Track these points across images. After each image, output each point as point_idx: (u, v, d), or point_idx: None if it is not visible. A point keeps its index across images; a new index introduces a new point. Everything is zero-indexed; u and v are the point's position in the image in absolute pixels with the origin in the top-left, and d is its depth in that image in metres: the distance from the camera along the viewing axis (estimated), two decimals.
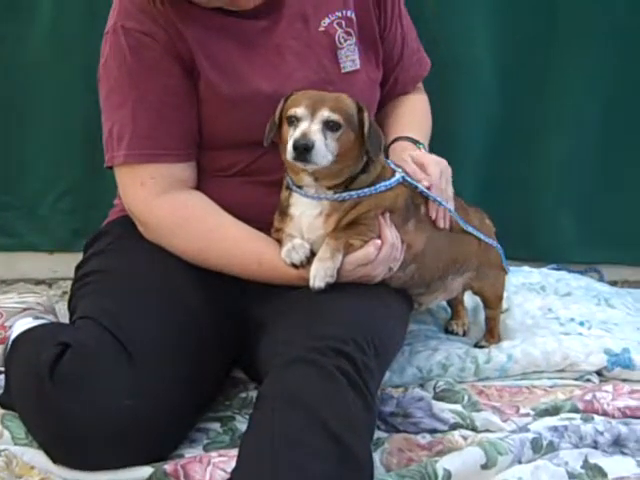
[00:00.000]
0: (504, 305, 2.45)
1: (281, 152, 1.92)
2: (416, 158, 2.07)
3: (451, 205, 2.07)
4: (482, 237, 2.19)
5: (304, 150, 1.79)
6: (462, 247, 2.17)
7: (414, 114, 2.30)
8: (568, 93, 2.94)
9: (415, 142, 2.16)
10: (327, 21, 2.08)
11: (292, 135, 1.82)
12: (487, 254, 2.25)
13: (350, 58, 2.10)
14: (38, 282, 2.96)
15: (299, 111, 1.83)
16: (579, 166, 3.02)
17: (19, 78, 2.83)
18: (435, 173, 2.04)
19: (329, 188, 1.91)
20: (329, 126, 1.83)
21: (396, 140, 2.17)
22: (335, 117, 1.83)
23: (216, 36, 2.00)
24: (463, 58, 2.85)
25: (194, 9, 1.97)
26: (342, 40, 2.09)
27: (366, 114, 1.88)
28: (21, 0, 2.78)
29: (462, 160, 2.90)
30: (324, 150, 1.81)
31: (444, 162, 2.10)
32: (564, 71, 2.91)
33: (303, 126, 1.82)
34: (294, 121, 1.84)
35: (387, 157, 2.07)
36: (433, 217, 2.04)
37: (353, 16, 2.11)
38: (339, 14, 2.09)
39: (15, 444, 1.80)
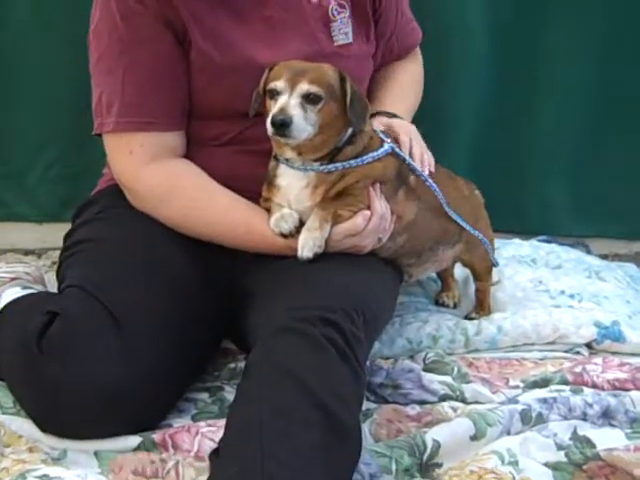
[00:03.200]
0: (494, 277, 2.44)
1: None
2: (385, 126, 2.07)
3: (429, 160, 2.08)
4: (468, 228, 2.18)
5: (281, 126, 1.78)
6: (452, 220, 2.15)
7: (402, 88, 2.29)
8: (559, 67, 2.94)
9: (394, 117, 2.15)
10: None
11: (272, 110, 1.81)
12: (478, 225, 2.24)
13: (343, 31, 2.08)
14: (27, 252, 2.94)
15: (279, 84, 1.82)
16: (570, 139, 3.03)
17: (5, 46, 2.79)
18: (405, 141, 2.04)
19: (314, 160, 1.90)
20: (309, 99, 1.81)
21: (375, 114, 2.15)
22: (315, 89, 1.81)
23: (208, 5, 1.97)
24: (454, 29, 2.83)
25: None
26: (335, 13, 2.07)
27: (349, 83, 1.86)
28: None
29: (452, 132, 2.90)
30: (303, 124, 1.80)
31: (411, 127, 2.11)
32: (555, 42, 2.90)
33: (282, 100, 1.81)
34: (274, 95, 1.83)
35: None
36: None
37: None
38: None
39: (3, 413, 1.79)
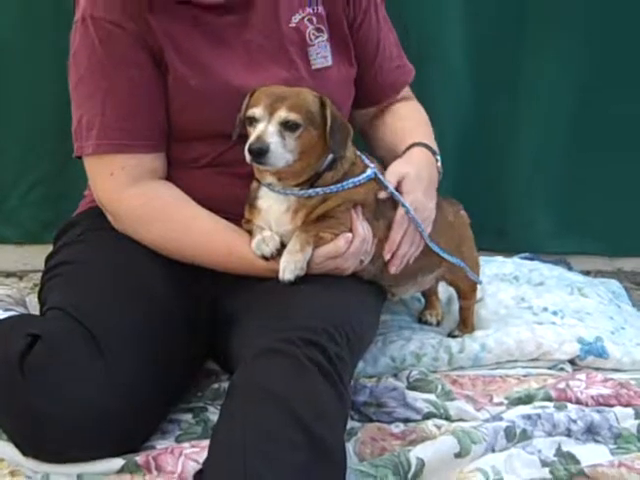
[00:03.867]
0: (478, 295, 2.44)
1: None
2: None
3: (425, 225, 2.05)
4: (449, 258, 2.17)
5: (258, 153, 1.78)
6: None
7: (419, 122, 2.27)
8: (539, 85, 2.95)
9: (434, 153, 2.15)
10: (298, 17, 2.06)
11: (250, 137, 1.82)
12: (460, 248, 2.24)
13: (321, 55, 2.08)
14: (8, 274, 2.92)
15: (257, 111, 1.83)
16: (551, 157, 3.04)
17: None
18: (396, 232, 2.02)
19: (295, 185, 1.90)
20: (287, 126, 1.82)
21: (414, 145, 2.13)
22: (293, 117, 1.82)
23: (185, 29, 1.98)
24: (434, 50, 2.85)
25: (163, 1, 1.95)
26: (312, 37, 2.07)
27: (329, 110, 1.86)
28: None
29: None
30: (281, 151, 1.80)
31: (420, 199, 2.05)
32: (536, 63, 2.92)
33: (259, 128, 1.81)
34: (252, 122, 1.83)
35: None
36: (387, 259, 2.01)
37: (323, 12, 2.09)
38: (310, 10, 2.07)
39: None
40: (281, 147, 1.80)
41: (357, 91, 2.20)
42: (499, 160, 3.01)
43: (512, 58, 2.92)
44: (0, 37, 2.77)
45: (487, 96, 2.95)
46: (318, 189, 1.89)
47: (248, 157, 1.80)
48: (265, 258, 1.89)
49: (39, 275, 2.14)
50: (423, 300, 2.52)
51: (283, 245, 1.90)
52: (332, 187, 1.90)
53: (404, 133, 2.20)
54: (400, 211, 1.99)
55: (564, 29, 2.89)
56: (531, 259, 2.97)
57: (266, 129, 1.80)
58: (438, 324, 2.46)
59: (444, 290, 2.53)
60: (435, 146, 2.19)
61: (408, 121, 2.26)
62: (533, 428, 1.87)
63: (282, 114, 1.81)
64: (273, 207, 1.92)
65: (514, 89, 2.96)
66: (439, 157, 2.17)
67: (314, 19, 2.08)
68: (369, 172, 1.95)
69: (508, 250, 3.03)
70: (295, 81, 2.00)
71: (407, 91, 2.35)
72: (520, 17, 2.87)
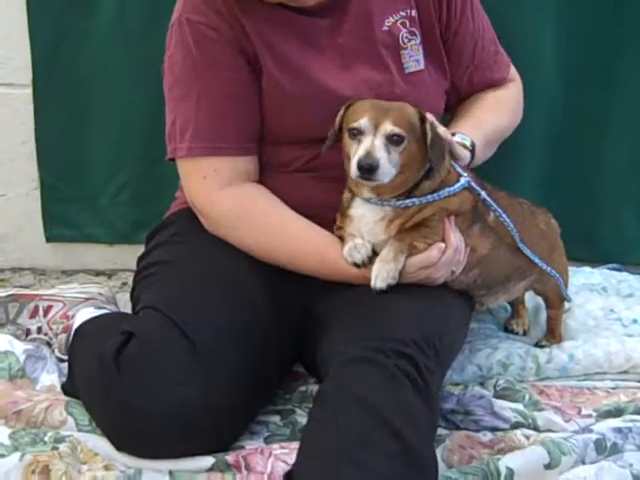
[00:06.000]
0: (566, 305, 2.42)
1: (344, 161, 1.90)
2: None
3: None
4: (541, 265, 2.14)
5: (368, 170, 1.76)
6: (526, 256, 2.12)
7: (481, 110, 2.20)
8: (633, 85, 2.89)
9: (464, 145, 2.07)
10: (391, 20, 2.06)
11: (356, 151, 1.80)
12: (552, 256, 2.22)
13: (414, 58, 2.07)
14: (98, 273, 2.99)
15: (362, 124, 1.80)
16: None
17: (83, 69, 2.84)
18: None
19: (391, 197, 1.89)
20: (392, 140, 1.80)
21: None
22: (398, 130, 1.80)
23: (279, 32, 2.00)
24: (526, 56, 2.81)
25: (257, 4, 1.96)
26: (406, 40, 2.06)
27: (428, 124, 1.85)
28: None
29: (524, 159, 2.87)
30: (388, 167, 1.79)
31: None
32: (630, 67, 2.85)
33: (366, 142, 1.79)
34: (356, 134, 1.82)
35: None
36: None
37: (416, 15, 2.08)
38: (403, 13, 2.06)
39: (79, 430, 1.83)
40: (388, 162, 1.78)
41: (450, 91, 2.19)
42: (589, 167, 2.96)
43: (604, 60, 2.86)
44: (93, 40, 2.83)
45: (578, 98, 2.89)
46: (415, 199, 1.88)
47: (355, 172, 1.78)
48: (357, 265, 1.89)
49: (127, 274, 2.20)
50: (510, 309, 2.50)
51: (375, 253, 1.89)
52: (428, 197, 1.89)
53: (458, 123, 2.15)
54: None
55: None
56: (619, 270, 2.91)
57: (374, 144, 1.78)
58: (524, 333, 2.43)
59: (531, 299, 2.50)
60: (480, 139, 2.09)
61: (473, 108, 2.21)
62: (624, 442, 1.84)
63: (388, 127, 1.79)
64: (367, 216, 1.91)
65: (606, 90, 2.88)
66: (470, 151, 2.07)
67: (407, 22, 2.07)
68: (463, 181, 1.94)
69: (595, 260, 2.98)
70: (388, 85, 2.00)
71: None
72: (612, 18, 2.82)
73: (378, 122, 1.80)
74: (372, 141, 1.78)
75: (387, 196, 1.88)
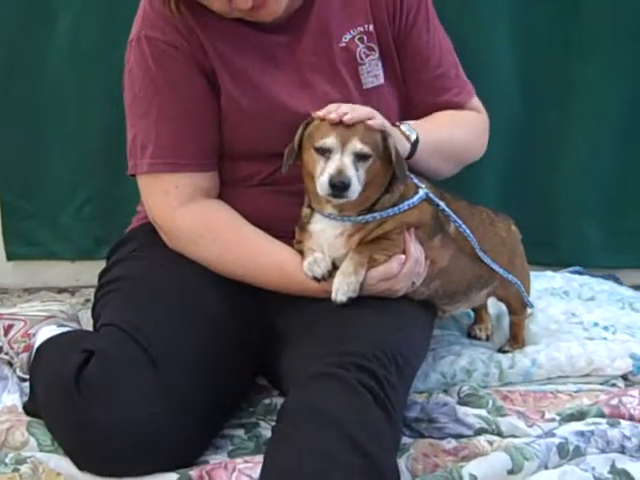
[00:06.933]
0: (528, 310, 2.43)
1: (305, 178, 1.91)
2: None
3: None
4: (502, 272, 2.16)
5: (341, 189, 1.76)
6: (487, 265, 2.13)
7: (436, 119, 2.16)
8: (589, 96, 2.93)
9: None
10: (348, 36, 2.06)
11: (323, 169, 1.79)
12: (513, 263, 2.24)
13: (372, 74, 2.08)
14: (61, 290, 2.98)
15: (329, 142, 1.80)
16: (601, 170, 3.01)
17: (40, 87, 2.84)
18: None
19: (353, 213, 1.90)
20: (360, 158, 1.80)
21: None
22: (366, 149, 1.80)
23: (237, 49, 2.00)
24: (483, 64, 2.84)
25: (215, 20, 1.96)
26: (363, 55, 2.06)
27: (391, 140, 1.86)
28: (40, 14, 2.80)
29: (485, 164, 2.87)
30: (357, 185, 1.79)
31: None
32: (585, 74, 2.90)
33: (336, 160, 1.78)
34: (323, 152, 1.81)
35: None
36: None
37: (374, 30, 2.08)
38: (361, 29, 2.06)
39: (41, 451, 1.80)
40: (357, 180, 1.78)
41: (408, 111, 2.17)
42: (549, 172, 3.00)
43: (560, 67, 2.91)
44: (50, 58, 2.83)
45: (536, 108, 2.94)
46: (376, 214, 1.88)
47: (327, 190, 1.77)
48: (317, 279, 1.89)
49: (91, 291, 2.18)
50: (473, 315, 2.51)
51: (335, 267, 1.89)
52: (389, 211, 1.89)
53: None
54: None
55: (615, 38, 2.86)
56: (580, 273, 2.94)
57: (344, 162, 1.78)
58: (488, 339, 2.44)
59: (494, 305, 2.51)
60: (431, 141, 2.04)
61: (437, 117, 2.16)
62: (586, 445, 1.85)
63: (357, 145, 1.79)
64: (327, 231, 1.91)
65: (564, 100, 2.94)
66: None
67: (365, 37, 2.07)
68: (421, 193, 1.94)
69: (556, 264, 3.01)
70: (346, 101, 1.98)
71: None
72: (571, 30, 2.86)
73: (345, 140, 1.79)
74: (341, 159, 1.79)
75: (349, 212, 1.88)
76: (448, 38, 2.23)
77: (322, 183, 1.78)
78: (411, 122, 2.06)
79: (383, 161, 1.85)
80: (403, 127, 2.01)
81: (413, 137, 2.01)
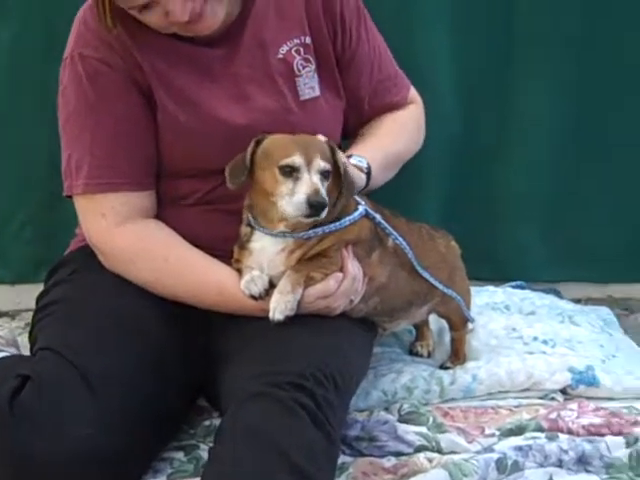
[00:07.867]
0: (469, 325, 2.45)
1: (254, 197, 1.89)
2: None
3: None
4: (442, 288, 2.18)
5: (320, 208, 1.76)
6: (426, 281, 2.14)
7: (376, 137, 2.19)
8: (528, 110, 2.95)
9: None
10: (285, 48, 2.07)
11: (292, 189, 1.77)
12: (453, 278, 2.25)
13: (309, 85, 2.08)
14: (1, 314, 2.92)
15: (296, 161, 1.78)
16: (540, 185, 3.03)
17: None
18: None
19: (301, 230, 1.89)
20: (323, 175, 1.81)
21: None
22: (328, 166, 1.81)
23: (173, 64, 1.99)
24: (423, 75, 2.85)
25: (151, 36, 1.95)
26: (300, 67, 2.07)
27: (339, 155, 1.86)
28: None
29: (423, 179, 2.92)
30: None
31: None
32: (524, 88, 2.92)
33: (306, 180, 1.77)
34: (290, 172, 1.79)
35: None
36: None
37: (311, 42, 2.09)
38: (297, 41, 2.07)
39: None
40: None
41: (350, 116, 2.20)
42: (489, 188, 3.02)
43: (500, 79, 2.93)
44: None
45: (475, 120, 2.95)
46: (318, 229, 1.88)
47: (303, 211, 1.76)
48: (254, 298, 1.88)
49: (31, 314, 2.14)
50: (414, 331, 2.52)
51: (272, 285, 1.89)
52: (331, 226, 1.89)
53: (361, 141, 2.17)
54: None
55: (552, 49, 2.89)
56: (522, 288, 2.97)
57: (314, 181, 1.77)
58: (429, 355, 2.45)
59: (435, 321, 2.53)
60: (378, 162, 2.09)
61: (369, 133, 2.21)
62: (524, 459, 1.87)
63: (321, 163, 1.80)
64: (267, 249, 1.90)
65: (503, 112, 2.95)
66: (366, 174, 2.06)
67: (301, 49, 2.08)
68: (361, 209, 1.95)
69: (498, 278, 3.03)
70: (283, 112, 2.00)
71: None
72: (508, 37, 2.88)
73: (310, 158, 1.79)
74: (311, 178, 1.78)
75: (301, 230, 1.88)
76: (380, 35, 2.26)
77: (297, 203, 1.76)
78: (355, 148, 2.10)
79: (333, 176, 1.86)
80: (353, 160, 2.02)
81: (364, 165, 2.03)
